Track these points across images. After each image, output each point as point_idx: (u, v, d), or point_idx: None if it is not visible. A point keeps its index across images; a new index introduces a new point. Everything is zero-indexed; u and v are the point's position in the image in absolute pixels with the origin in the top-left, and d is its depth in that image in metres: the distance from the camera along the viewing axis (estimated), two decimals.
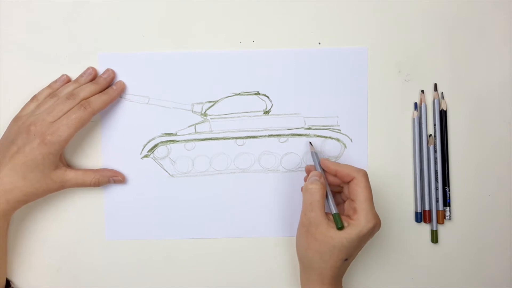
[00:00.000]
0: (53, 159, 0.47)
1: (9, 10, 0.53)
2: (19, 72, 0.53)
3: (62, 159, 0.51)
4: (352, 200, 0.46)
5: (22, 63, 0.53)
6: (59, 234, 0.54)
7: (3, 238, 0.49)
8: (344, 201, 0.49)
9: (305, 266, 0.47)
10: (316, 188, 0.45)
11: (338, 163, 0.48)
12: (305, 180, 0.50)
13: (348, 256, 0.45)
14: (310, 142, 0.53)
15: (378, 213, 0.54)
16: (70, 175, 0.49)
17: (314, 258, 0.45)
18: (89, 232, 0.54)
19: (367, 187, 0.46)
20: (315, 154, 0.51)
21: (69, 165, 0.53)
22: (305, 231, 0.46)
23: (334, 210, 0.45)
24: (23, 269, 0.54)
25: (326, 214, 0.46)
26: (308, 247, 0.46)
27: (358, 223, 0.44)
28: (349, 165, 0.47)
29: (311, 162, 0.53)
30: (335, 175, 0.48)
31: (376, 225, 0.45)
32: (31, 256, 0.54)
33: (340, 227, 0.44)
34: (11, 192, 0.46)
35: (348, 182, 0.47)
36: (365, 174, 0.46)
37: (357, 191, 0.45)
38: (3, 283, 0.50)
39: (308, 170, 0.50)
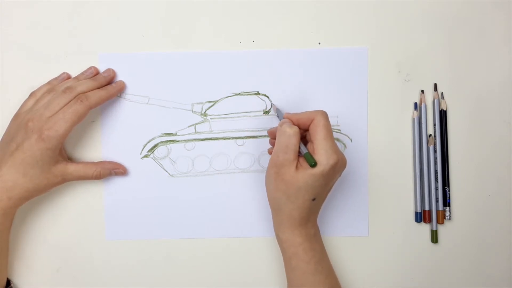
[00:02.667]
0: (52, 154, 0.47)
1: (9, 10, 0.53)
2: (19, 71, 0.53)
3: (62, 153, 0.52)
4: (312, 142, 0.46)
5: (22, 62, 0.53)
6: (59, 234, 0.54)
7: (5, 236, 0.49)
8: None
9: (275, 208, 0.48)
10: (294, 131, 0.45)
11: (298, 112, 0.48)
12: (270, 143, 0.51)
13: (316, 195, 0.45)
14: (272, 104, 0.53)
15: (377, 213, 0.54)
16: (71, 168, 0.50)
17: (282, 199, 0.46)
18: (89, 232, 0.54)
19: (325, 125, 0.45)
20: (279, 111, 0.51)
21: (70, 159, 0.53)
22: (274, 173, 0.46)
23: (305, 150, 0.45)
24: (23, 269, 0.54)
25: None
26: (277, 188, 0.46)
27: (320, 162, 0.44)
28: (309, 111, 0.47)
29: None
30: (298, 125, 0.47)
31: (338, 161, 0.45)
32: (31, 256, 0.54)
33: (313, 164, 0.44)
34: (12, 190, 0.47)
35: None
36: (323, 114, 0.46)
37: (316, 131, 0.45)
38: (4, 282, 0.50)
39: (271, 133, 0.50)
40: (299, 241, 0.47)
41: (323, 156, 0.44)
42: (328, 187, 0.47)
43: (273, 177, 0.46)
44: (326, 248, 0.54)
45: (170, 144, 0.53)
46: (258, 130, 0.53)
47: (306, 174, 0.44)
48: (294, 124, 0.47)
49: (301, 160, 0.45)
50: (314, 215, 0.48)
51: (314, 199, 0.46)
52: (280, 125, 0.47)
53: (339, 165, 0.45)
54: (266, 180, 0.48)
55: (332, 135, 0.45)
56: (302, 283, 0.47)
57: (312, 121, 0.46)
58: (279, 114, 0.51)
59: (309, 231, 0.47)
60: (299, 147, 0.46)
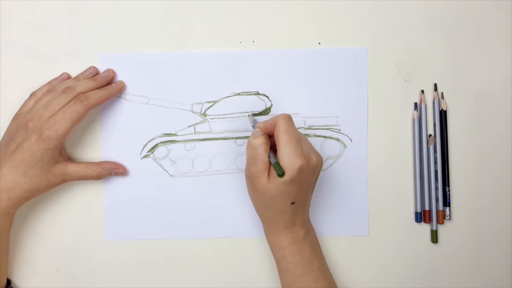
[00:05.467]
0: (51, 154, 0.47)
1: (9, 10, 0.53)
2: (19, 71, 0.53)
3: (62, 153, 0.52)
4: (278, 148, 0.45)
5: (22, 62, 0.53)
6: (59, 234, 0.54)
7: (5, 236, 0.49)
8: None
9: (261, 218, 0.49)
10: (259, 142, 0.45)
11: (266, 120, 0.48)
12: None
13: (293, 199, 0.45)
14: (249, 115, 0.53)
15: (377, 213, 0.54)
16: (71, 168, 0.50)
17: (263, 209, 0.47)
18: (89, 232, 0.54)
19: (286, 130, 0.45)
20: (255, 121, 0.51)
21: (70, 159, 0.53)
22: (249, 183, 0.46)
23: (273, 160, 0.45)
24: (23, 269, 0.54)
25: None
26: (256, 199, 0.47)
27: (285, 168, 0.44)
28: (273, 116, 0.47)
29: None
30: (267, 133, 0.47)
31: (304, 164, 0.44)
32: (31, 256, 0.54)
33: (281, 174, 0.44)
34: (12, 190, 0.47)
35: None
36: (285, 118, 0.46)
37: (278, 137, 0.45)
38: (4, 282, 0.50)
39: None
40: (286, 244, 0.47)
41: (287, 162, 0.44)
42: (305, 188, 0.46)
43: (250, 188, 0.47)
44: (325, 248, 0.54)
45: (170, 144, 0.53)
46: None
47: (277, 183, 0.44)
48: (264, 133, 0.47)
49: (272, 168, 0.45)
50: (301, 217, 0.48)
51: (293, 203, 0.46)
52: (252, 134, 0.47)
53: (307, 167, 0.45)
54: (248, 190, 0.48)
55: (295, 138, 0.45)
56: (292, 285, 0.47)
57: (275, 126, 0.46)
58: (254, 124, 0.51)
59: (296, 234, 0.47)
60: (269, 156, 0.46)
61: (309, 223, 0.50)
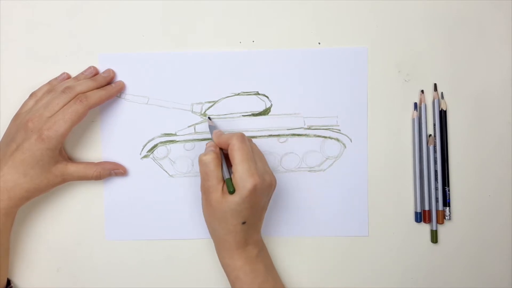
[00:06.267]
0: (51, 154, 0.47)
1: (9, 10, 0.53)
2: (19, 71, 0.53)
3: (62, 153, 0.52)
4: (233, 165, 0.46)
5: (22, 63, 0.53)
6: (59, 234, 0.54)
7: (6, 236, 0.49)
8: None
9: (211, 234, 0.48)
10: (209, 158, 0.46)
11: (222, 134, 0.48)
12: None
13: (244, 218, 0.45)
14: (209, 117, 0.53)
15: (377, 213, 0.53)
16: (71, 168, 0.50)
17: (214, 224, 0.47)
18: (89, 232, 0.54)
19: (240, 148, 0.45)
20: (212, 127, 0.51)
21: (70, 159, 0.53)
22: (204, 199, 0.47)
23: (226, 176, 0.46)
24: (23, 269, 0.54)
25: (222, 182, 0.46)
26: (209, 214, 0.47)
27: (237, 187, 0.44)
28: (229, 133, 0.47)
29: (310, 162, 0.54)
30: (221, 148, 0.47)
31: (257, 184, 0.44)
32: (31, 256, 0.54)
33: (232, 191, 0.44)
34: (13, 190, 0.47)
35: None
36: (238, 137, 0.46)
37: (232, 155, 0.45)
38: (4, 282, 0.50)
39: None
40: (239, 265, 0.47)
41: (239, 181, 0.44)
42: (256, 209, 0.46)
43: (205, 204, 0.47)
44: (325, 248, 0.54)
45: (170, 144, 0.53)
46: (258, 130, 0.53)
47: (229, 200, 0.44)
48: (216, 147, 0.47)
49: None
50: (253, 237, 0.48)
51: (244, 223, 0.46)
52: (205, 150, 0.48)
53: (259, 188, 0.45)
54: (202, 205, 0.48)
55: (249, 157, 0.45)
56: None
57: (229, 145, 0.46)
58: (211, 130, 0.50)
59: (249, 253, 0.47)
60: (223, 171, 0.46)
61: (262, 242, 0.50)
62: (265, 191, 0.46)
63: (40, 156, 0.46)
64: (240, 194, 0.44)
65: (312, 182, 0.54)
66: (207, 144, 0.49)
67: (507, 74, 0.54)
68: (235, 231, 0.46)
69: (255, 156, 0.47)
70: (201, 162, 0.46)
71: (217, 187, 0.45)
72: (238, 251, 0.47)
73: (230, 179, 0.45)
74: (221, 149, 0.48)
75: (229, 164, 0.47)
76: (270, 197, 0.48)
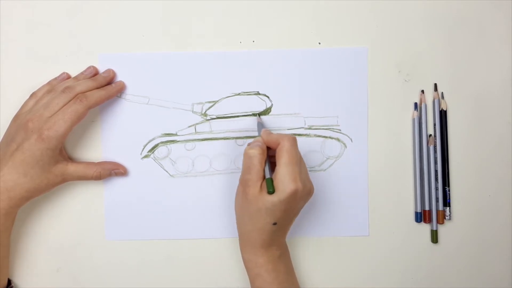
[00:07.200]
0: (52, 154, 0.47)
1: (9, 10, 0.53)
2: (19, 72, 0.53)
3: (63, 153, 0.52)
4: (277, 166, 0.45)
5: (22, 63, 0.53)
6: (59, 234, 0.54)
7: (6, 236, 0.49)
8: None
9: (239, 230, 0.48)
10: (254, 153, 0.45)
11: (271, 133, 0.48)
12: None
13: (276, 220, 0.45)
14: (259, 114, 0.53)
15: (377, 213, 0.53)
16: (71, 168, 0.50)
17: (245, 217, 0.46)
18: (89, 232, 0.54)
19: (289, 151, 0.45)
20: (260, 124, 0.51)
21: (70, 158, 0.53)
22: (241, 191, 0.46)
23: (267, 175, 0.45)
24: (24, 269, 0.54)
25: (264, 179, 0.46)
26: (242, 206, 0.46)
27: (277, 188, 0.44)
28: (280, 133, 0.47)
29: (311, 162, 0.54)
30: (268, 145, 0.47)
31: (298, 190, 0.44)
32: (31, 256, 0.54)
33: (271, 191, 0.44)
34: (13, 190, 0.47)
35: None
36: (290, 139, 0.46)
37: (280, 155, 0.45)
38: (5, 282, 0.50)
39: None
40: (262, 262, 0.47)
41: (280, 183, 0.44)
42: (290, 213, 0.46)
43: (240, 194, 0.46)
44: (325, 248, 0.54)
45: (170, 144, 0.53)
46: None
47: (265, 199, 0.44)
48: (263, 144, 0.47)
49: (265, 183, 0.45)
50: (280, 239, 0.48)
51: (275, 224, 0.45)
52: (250, 144, 0.47)
53: (299, 193, 0.44)
54: (235, 196, 0.48)
55: (296, 161, 0.45)
56: None
57: (278, 144, 0.46)
58: (259, 128, 0.50)
59: (272, 253, 0.47)
60: (265, 169, 0.46)
61: (285, 245, 0.50)
62: (303, 198, 0.46)
63: (40, 156, 0.46)
64: (279, 196, 0.44)
65: (313, 182, 0.54)
66: (254, 139, 0.48)
67: (507, 74, 0.54)
68: (264, 230, 0.46)
69: (300, 161, 0.46)
70: (246, 154, 0.46)
71: (256, 182, 0.45)
72: (262, 249, 0.47)
73: (271, 179, 0.45)
74: (267, 148, 0.47)
75: (271, 165, 0.47)
76: (304, 205, 0.48)
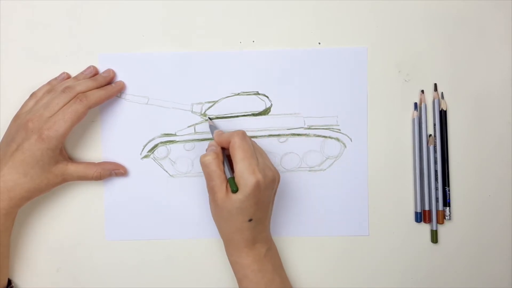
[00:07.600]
0: (52, 154, 0.47)
1: (9, 10, 0.53)
2: (19, 72, 0.53)
3: (63, 153, 0.52)
4: (234, 164, 0.46)
5: (22, 63, 0.53)
6: (59, 234, 0.54)
7: (6, 236, 0.49)
8: None
9: (221, 235, 0.49)
10: (209, 159, 0.46)
11: (222, 133, 0.48)
12: None
13: (250, 216, 0.45)
14: (209, 118, 0.53)
15: (377, 213, 0.53)
16: (71, 168, 0.50)
17: (222, 224, 0.47)
18: (89, 232, 0.54)
19: (240, 146, 0.45)
20: (212, 127, 0.51)
21: (70, 159, 0.53)
22: (211, 199, 0.47)
23: (228, 175, 0.46)
24: (23, 269, 0.54)
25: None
26: (215, 213, 0.47)
27: (240, 185, 0.44)
28: (229, 132, 0.47)
29: (311, 162, 0.54)
30: (222, 147, 0.48)
31: (259, 182, 0.44)
32: (31, 256, 0.54)
33: (234, 190, 0.44)
34: (13, 190, 0.47)
35: None
36: (239, 134, 0.46)
37: (233, 153, 0.45)
38: (5, 282, 0.50)
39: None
40: (247, 263, 0.47)
41: (241, 179, 0.44)
42: (262, 205, 0.46)
43: (211, 202, 0.47)
44: (325, 248, 0.54)
45: (170, 145, 0.53)
46: (258, 130, 0.53)
47: (232, 199, 0.44)
48: (217, 147, 0.47)
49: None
50: (262, 234, 0.48)
51: (250, 220, 0.46)
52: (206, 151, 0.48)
53: (262, 184, 0.45)
54: (209, 206, 0.48)
55: (251, 154, 0.45)
56: None
57: (229, 142, 0.46)
58: (211, 131, 0.50)
59: (257, 252, 0.47)
60: (225, 170, 0.46)
61: (271, 240, 0.50)
62: (268, 187, 0.46)
63: (40, 156, 0.46)
64: (243, 192, 0.44)
65: (312, 182, 0.54)
66: (209, 144, 0.49)
67: (507, 74, 0.54)
68: (242, 229, 0.46)
69: (256, 152, 0.47)
70: (202, 163, 0.47)
71: (221, 186, 0.45)
72: (246, 249, 0.47)
73: (233, 178, 0.45)
74: (223, 148, 0.48)
75: (231, 163, 0.47)
76: (275, 192, 0.48)
